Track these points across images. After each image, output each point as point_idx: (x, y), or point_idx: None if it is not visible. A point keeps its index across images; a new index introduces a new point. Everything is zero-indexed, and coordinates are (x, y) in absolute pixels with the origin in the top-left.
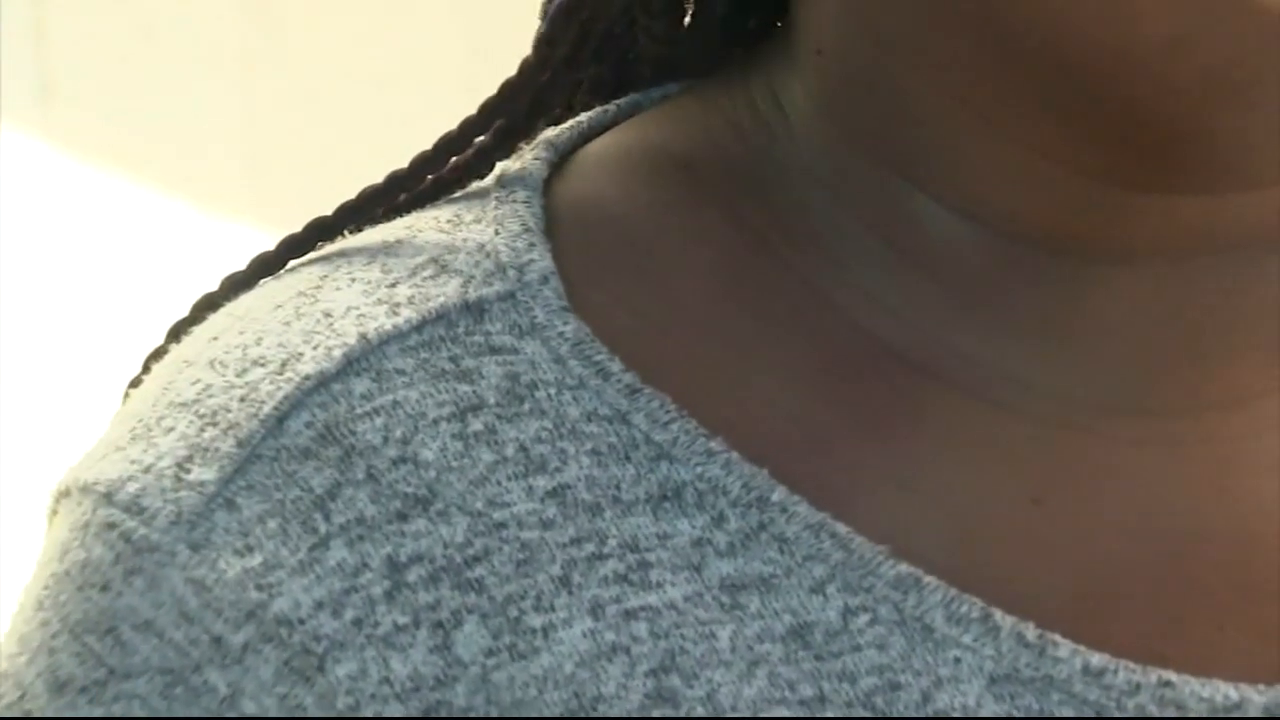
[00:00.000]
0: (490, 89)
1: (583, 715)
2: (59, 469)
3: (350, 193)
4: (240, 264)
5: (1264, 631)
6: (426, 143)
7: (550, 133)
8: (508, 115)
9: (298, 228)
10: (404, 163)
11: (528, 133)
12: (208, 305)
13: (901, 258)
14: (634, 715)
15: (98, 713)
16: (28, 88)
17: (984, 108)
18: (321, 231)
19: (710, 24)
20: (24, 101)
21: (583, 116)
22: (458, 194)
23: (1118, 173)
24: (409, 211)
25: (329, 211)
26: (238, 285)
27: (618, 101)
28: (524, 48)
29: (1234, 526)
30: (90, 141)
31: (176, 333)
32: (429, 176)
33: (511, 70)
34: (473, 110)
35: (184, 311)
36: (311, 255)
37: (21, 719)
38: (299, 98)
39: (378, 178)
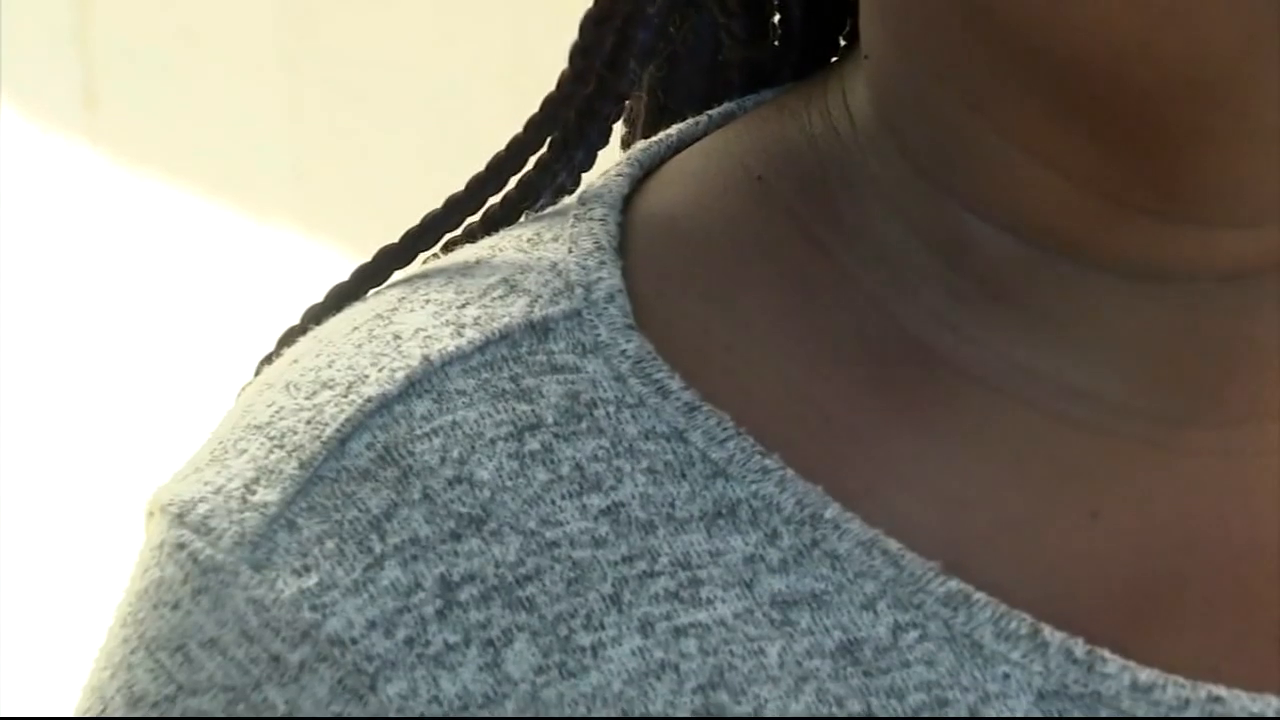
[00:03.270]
0: (534, 86)
1: None
2: (108, 473)
3: (393, 196)
4: (282, 268)
5: None
6: (470, 144)
7: (639, 146)
8: (561, 128)
9: (342, 232)
10: (447, 164)
11: (584, 141)
12: (291, 336)
13: (956, 272)
14: None
15: None
16: (71, 93)
17: (998, 116)
18: (391, 259)
19: (792, 25)
20: (68, 107)
21: (673, 129)
22: (546, 211)
23: (1139, 197)
24: (497, 229)
25: (368, 224)
26: (317, 316)
27: (710, 112)
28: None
29: None
30: (134, 147)
31: (269, 359)
32: (489, 197)
33: (555, 71)
34: (517, 112)
35: (265, 337)
36: (398, 277)
37: None
38: (342, 100)
39: (421, 179)
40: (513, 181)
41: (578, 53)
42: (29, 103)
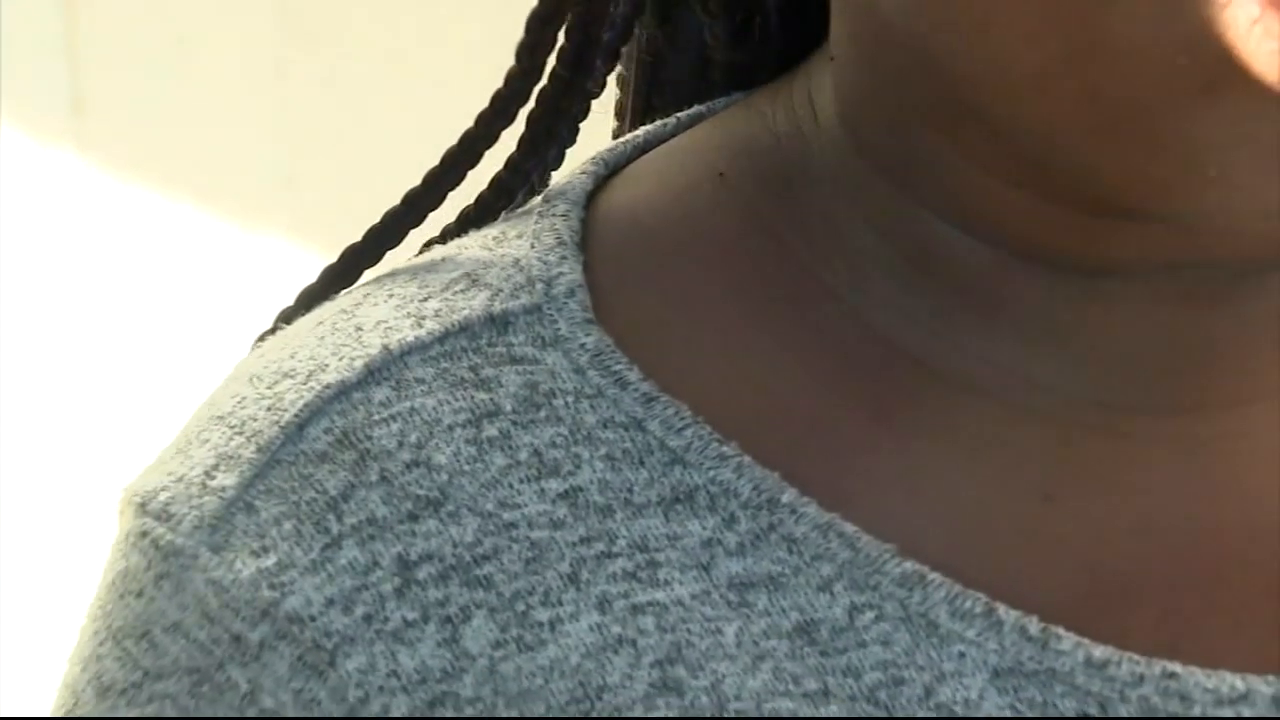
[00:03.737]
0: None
1: (588, 703)
2: (91, 479)
3: (382, 205)
4: (272, 276)
5: (1277, 624)
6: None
7: (606, 146)
8: (529, 127)
9: (330, 239)
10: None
11: (554, 139)
12: (263, 337)
13: (913, 267)
14: (639, 702)
15: (133, 713)
16: (59, 99)
17: (945, 128)
18: (356, 257)
19: (769, 27)
20: (56, 113)
21: (640, 130)
22: (515, 212)
23: (1086, 202)
24: (470, 231)
25: (359, 232)
26: (289, 317)
27: (679, 114)
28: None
29: (1246, 521)
30: (122, 153)
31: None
32: (448, 191)
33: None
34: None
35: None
36: (368, 277)
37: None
38: (331, 108)
39: (411, 186)
40: (477, 179)
41: (524, 50)
42: (17, 108)
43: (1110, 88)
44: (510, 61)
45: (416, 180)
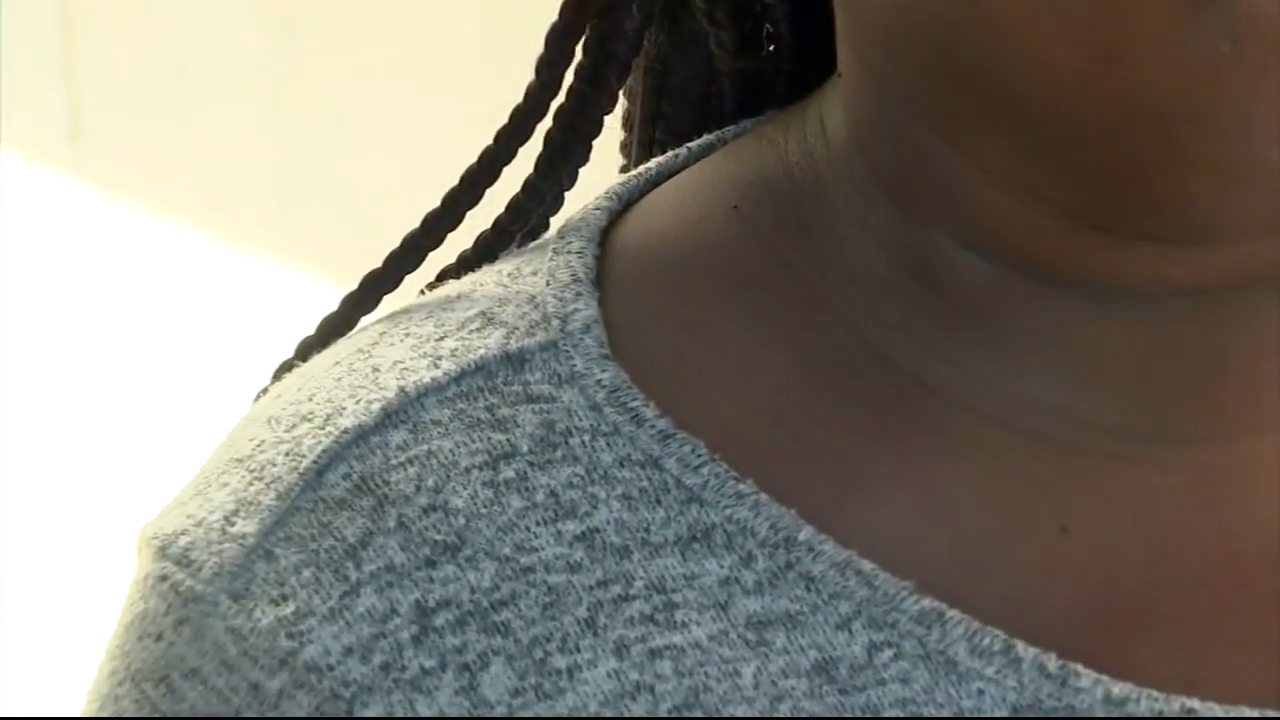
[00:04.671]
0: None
1: None
2: (87, 497)
3: (377, 228)
4: (267, 298)
5: None
6: (455, 175)
7: (618, 180)
8: (546, 147)
9: (325, 263)
10: (431, 195)
11: (570, 158)
12: (285, 369)
13: (926, 291)
14: None
15: None
16: (56, 125)
17: (959, 141)
18: (376, 284)
19: (780, 36)
20: (52, 138)
21: (652, 163)
22: (528, 246)
23: (1101, 219)
24: (491, 253)
25: (353, 254)
26: (309, 347)
27: (690, 145)
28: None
29: (1261, 549)
30: (118, 178)
31: (262, 392)
32: (465, 211)
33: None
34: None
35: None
36: (382, 312)
37: None
38: (326, 133)
39: (405, 210)
40: (493, 200)
41: (543, 65)
42: (14, 134)
43: (1150, 86)
44: (505, 86)
45: (409, 201)
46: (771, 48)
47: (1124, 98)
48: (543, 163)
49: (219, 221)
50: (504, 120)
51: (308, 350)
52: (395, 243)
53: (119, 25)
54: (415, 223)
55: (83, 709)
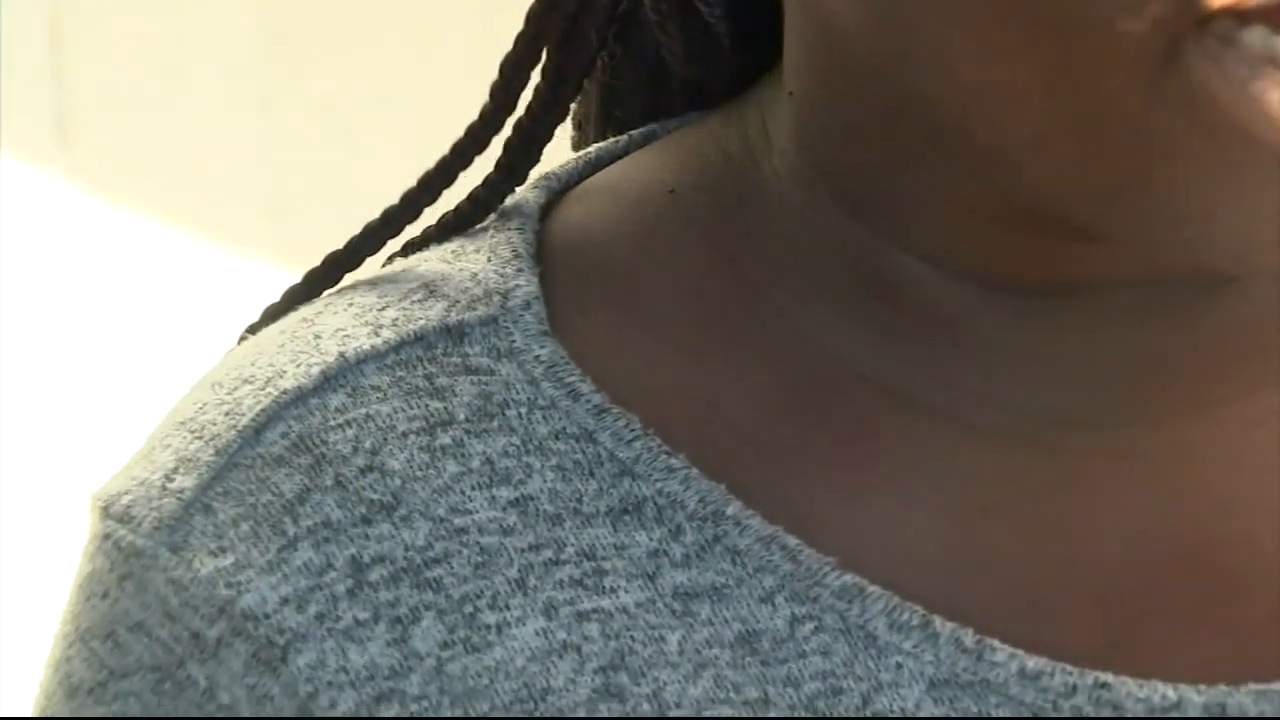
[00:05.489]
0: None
1: (532, 703)
2: (77, 500)
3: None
4: (258, 301)
5: (1219, 632)
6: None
7: (558, 164)
8: (506, 152)
9: (316, 264)
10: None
11: (529, 161)
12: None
13: (864, 288)
14: (581, 705)
15: (99, 712)
16: (46, 127)
17: (913, 169)
18: (337, 265)
19: (721, 49)
20: (42, 140)
21: (592, 149)
22: (474, 229)
23: (1025, 221)
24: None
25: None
26: (272, 316)
27: (632, 133)
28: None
29: (1189, 529)
30: (108, 180)
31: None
32: (424, 208)
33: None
34: (496, 152)
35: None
36: (334, 288)
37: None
38: (318, 135)
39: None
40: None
41: (498, 89)
42: (4, 134)
43: (1110, 150)
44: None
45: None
46: (712, 59)
47: (1074, 162)
48: (502, 167)
49: (209, 223)
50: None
51: (268, 319)
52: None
53: (109, 29)
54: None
55: (40, 678)
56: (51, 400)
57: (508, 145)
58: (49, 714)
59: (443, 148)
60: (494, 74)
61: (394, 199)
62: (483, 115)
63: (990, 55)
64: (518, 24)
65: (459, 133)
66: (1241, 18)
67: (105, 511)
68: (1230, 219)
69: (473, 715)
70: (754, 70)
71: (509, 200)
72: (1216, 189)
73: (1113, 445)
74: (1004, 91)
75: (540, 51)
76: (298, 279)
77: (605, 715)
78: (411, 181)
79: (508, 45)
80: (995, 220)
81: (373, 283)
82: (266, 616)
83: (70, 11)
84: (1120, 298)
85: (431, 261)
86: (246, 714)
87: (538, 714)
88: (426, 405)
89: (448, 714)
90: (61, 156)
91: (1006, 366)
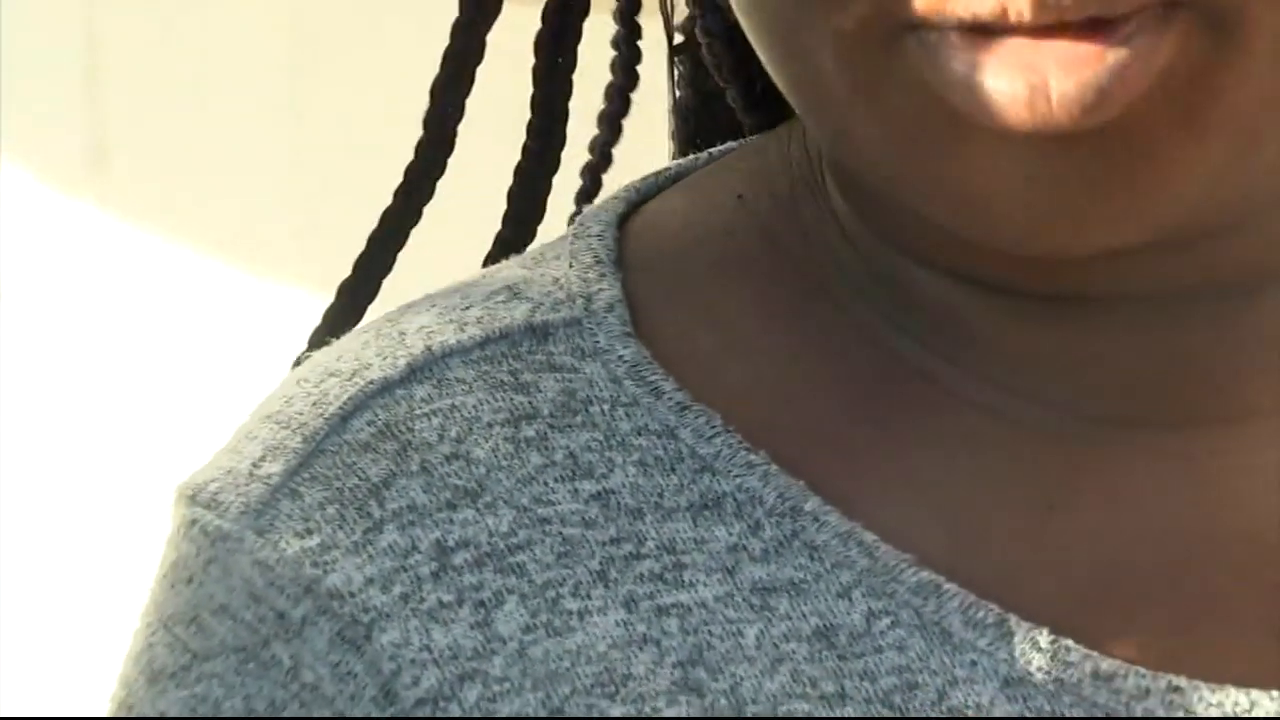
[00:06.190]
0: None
1: (612, 688)
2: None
3: (402, 258)
4: (292, 326)
5: (1277, 635)
6: (474, 202)
7: (638, 177)
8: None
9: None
10: (453, 224)
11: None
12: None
13: (900, 300)
14: (661, 695)
15: (183, 695)
16: (79, 153)
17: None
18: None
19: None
20: (75, 167)
21: (672, 164)
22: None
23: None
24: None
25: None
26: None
27: (710, 150)
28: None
29: (1247, 532)
30: (142, 208)
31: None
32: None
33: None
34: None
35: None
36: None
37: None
38: (352, 160)
39: (429, 240)
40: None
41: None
42: (36, 162)
43: (876, 135)
44: (523, 110)
45: (433, 226)
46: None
47: (879, 150)
48: (509, 220)
49: (244, 251)
50: (522, 140)
51: (318, 340)
52: (416, 272)
53: (143, 57)
54: (437, 252)
55: (119, 670)
56: (87, 425)
57: (510, 193)
58: (129, 703)
59: (474, 171)
60: (522, 91)
61: (426, 225)
62: (417, 150)
63: (779, 72)
64: None
65: (496, 152)
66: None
67: (192, 499)
68: (999, 197)
69: (554, 697)
70: None
71: (589, 209)
72: (965, 168)
73: (1169, 447)
74: (804, 102)
75: (572, 52)
76: (329, 303)
77: (684, 709)
78: (443, 209)
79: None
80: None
81: (454, 287)
82: (352, 595)
83: (104, 40)
84: (1152, 305)
85: (512, 268)
86: (330, 692)
87: (618, 698)
88: (511, 399)
89: (530, 696)
90: (94, 184)
91: (1050, 370)
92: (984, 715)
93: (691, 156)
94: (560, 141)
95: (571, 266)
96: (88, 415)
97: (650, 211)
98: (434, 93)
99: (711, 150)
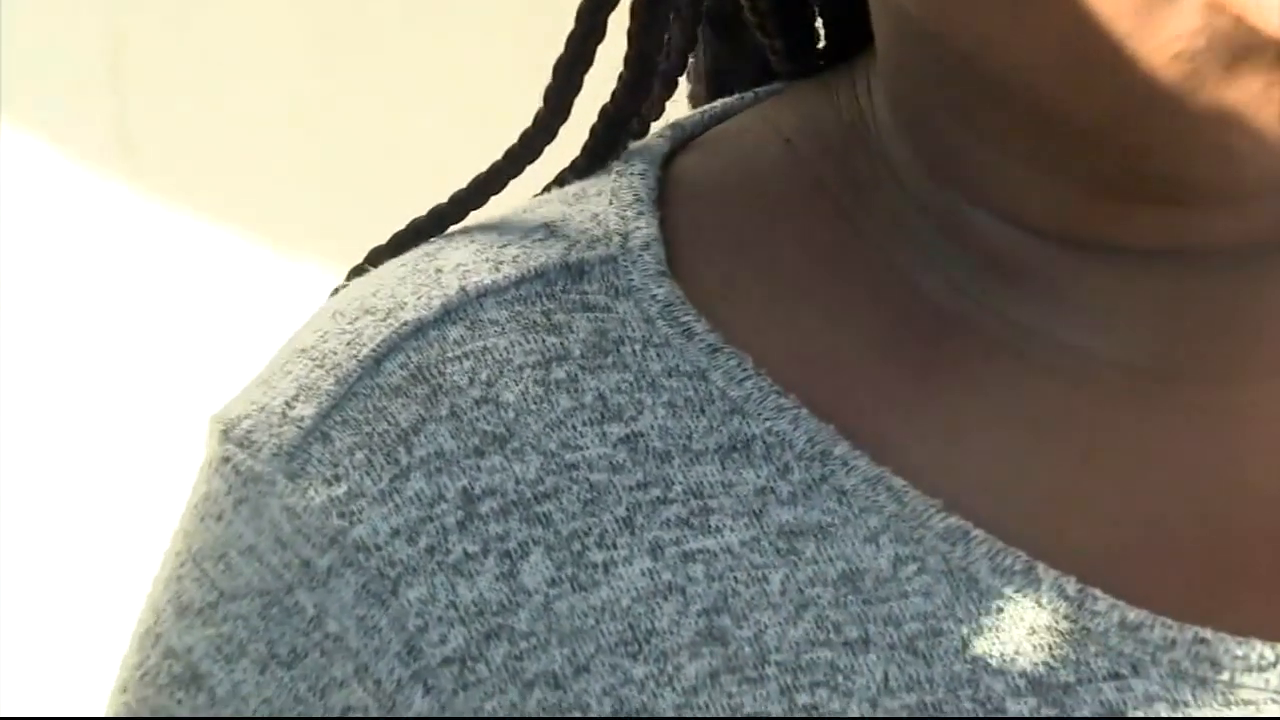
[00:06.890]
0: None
1: (636, 645)
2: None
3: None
4: (317, 302)
5: None
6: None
7: (684, 114)
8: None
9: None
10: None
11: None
12: (355, 273)
13: (951, 242)
14: (684, 648)
15: (209, 633)
16: (107, 135)
17: (977, 124)
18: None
19: (814, 45)
20: (104, 149)
21: (718, 103)
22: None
23: (1115, 189)
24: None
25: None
26: (380, 254)
27: (756, 90)
28: (597, 92)
29: (1276, 486)
30: (170, 187)
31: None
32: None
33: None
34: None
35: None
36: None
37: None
38: (379, 142)
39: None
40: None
41: (552, 92)
42: (65, 144)
43: (1143, 81)
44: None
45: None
46: (814, 48)
47: (1099, 93)
48: (581, 168)
49: (273, 230)
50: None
51: (378, 257)
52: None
53: (169, 38)
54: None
55: (148, 593)
56: (111, 404)
57: (585, 147)
58: (157, 632)
59: (503, 149)
60: (535, 90)
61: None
62: (537, 120)
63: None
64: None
65: (509, 138)
66: None
67: (225, 435)
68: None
69: (580, 655)
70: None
71: (635, 145)
72: (1242, 93)
73: (1206, 400)
74: (1022, 38)
75: (592, 52)
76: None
77: (707, 659)
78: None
79: (560, 48)
80: (1075, 183)
81: (494, 223)
82: (378, 548)
83: (130, 21)
84: (1198, 258)
85: (553, 204)
86: (355, 645)
87: (640, 657)
88: (543, 340)
89: (556, 652)
90: (123, 164)
91: (1094, 320)
92: (1009, 663)
93: (736, 96)
94: (646, 93)
95: (611, 204)
96: (120, 395)
97: (694, 151)
98: (557, 70)
99: (757, 91)
